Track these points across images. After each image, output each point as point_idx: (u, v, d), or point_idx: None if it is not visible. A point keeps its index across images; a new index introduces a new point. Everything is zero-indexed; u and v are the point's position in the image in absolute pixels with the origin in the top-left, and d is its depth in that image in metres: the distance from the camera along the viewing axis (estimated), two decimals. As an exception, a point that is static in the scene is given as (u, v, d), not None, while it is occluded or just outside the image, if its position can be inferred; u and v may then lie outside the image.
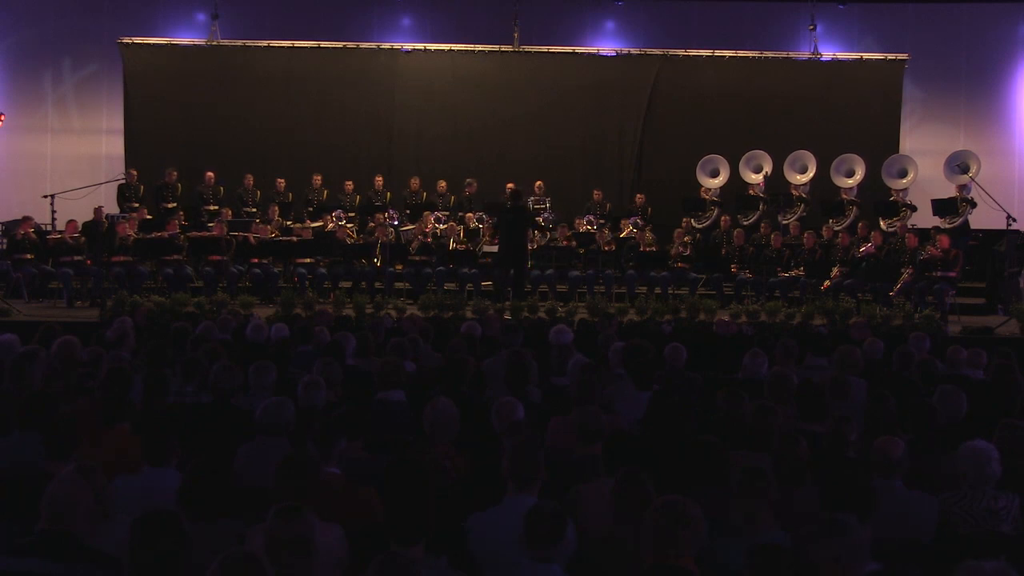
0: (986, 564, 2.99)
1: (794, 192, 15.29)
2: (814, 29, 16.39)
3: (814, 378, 6.29)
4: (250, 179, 15.23)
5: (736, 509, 3.94)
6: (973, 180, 14.40)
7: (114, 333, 7.74)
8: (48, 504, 3.58)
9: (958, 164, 14.73)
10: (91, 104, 17.15)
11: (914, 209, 14.63)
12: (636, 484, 3.95)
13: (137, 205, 14.77)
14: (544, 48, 16.45)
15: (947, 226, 13.89)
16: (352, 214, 14.95)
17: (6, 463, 4.79)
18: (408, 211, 15.14)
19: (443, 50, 16.49)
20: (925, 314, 11.50)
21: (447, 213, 14.85)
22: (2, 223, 14.80)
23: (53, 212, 13.83)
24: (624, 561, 3.82)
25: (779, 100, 16.19)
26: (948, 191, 14.57)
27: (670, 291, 13.41)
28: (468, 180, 15.37)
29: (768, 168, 15.37)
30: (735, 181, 15.57)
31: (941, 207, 14.30)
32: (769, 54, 16.44)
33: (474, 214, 14.73)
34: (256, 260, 13.57)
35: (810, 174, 15.36)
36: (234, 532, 3.80)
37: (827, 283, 13.19)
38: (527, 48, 16.38)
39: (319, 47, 16.37)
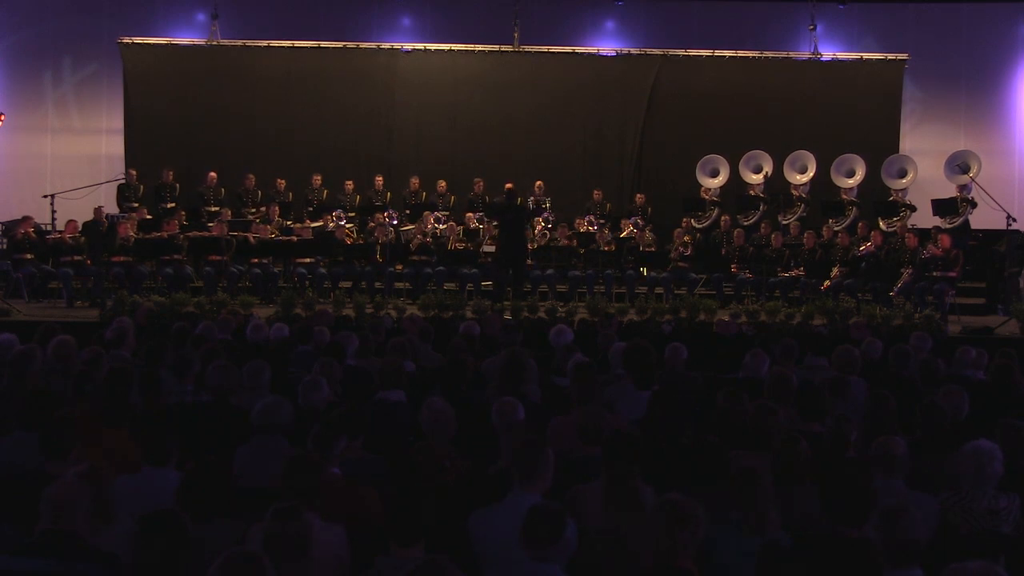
0: (970, 564, 3.00)
1: (794, 192, 15.29)
2: (814, 29, 16.38)
3: (814, 378, 6.29)
4: (252, 179, 15.21)
5: (736, 509, 3.95)
6: (973, 180, 14.40)
7: (114, 333, 7.72)
8: (48, 505, 3.59)
9: (958, 164, 14.73)
10: (91, 104, 17.14)
11: (914, 209, 14.64)
12: (626, 482, 3.97)
13: (137, 205, 14.77)
14: (544, 48, 16.44)
15: (947, 226, 13.89)
16: (352, 214, 14.94)
17: (6, 463, 4.79)
18: (408, 211, 15.13)
19: (443, 50, 16.48)
20: (925, 314, 11.50)
21: (447, 213, 14.85)
22: (2, 223, 14.80)
23: (53, 212, 13.81)
24: (624, 561, 3.83)
25: (779, 100, 16.18)
26: (948, 191, 14.56)
27: (670, 290, 13.41)
28: (476, 179, 15.37)
29: (768, 168, 15.37)
30: (735, 181, 15.57)
31: (941, 207, 14.29)
32: (769, 54, 16.43)
33: (475, 214, 14.74)
34: (256, 260, 13.57)
35: (810, 174, 15.36)
36: (234, 532, 3.80)
37: (827, 283, 13.19)
38: (527, 48, 16.38)
39: (319, 47, 16.36)
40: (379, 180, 15.51)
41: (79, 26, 16.89)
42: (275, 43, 16.33)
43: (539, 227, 14.43)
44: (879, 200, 15.07)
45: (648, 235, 14.26)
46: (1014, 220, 13.55)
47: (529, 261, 13.54)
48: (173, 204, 14.99)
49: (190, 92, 16.20)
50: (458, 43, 16.46)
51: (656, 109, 16.48)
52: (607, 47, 16.80)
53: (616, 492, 4.07)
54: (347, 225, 14.33)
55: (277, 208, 14.53)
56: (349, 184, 15.32)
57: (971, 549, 3.85)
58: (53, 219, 13.85)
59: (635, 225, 14.38)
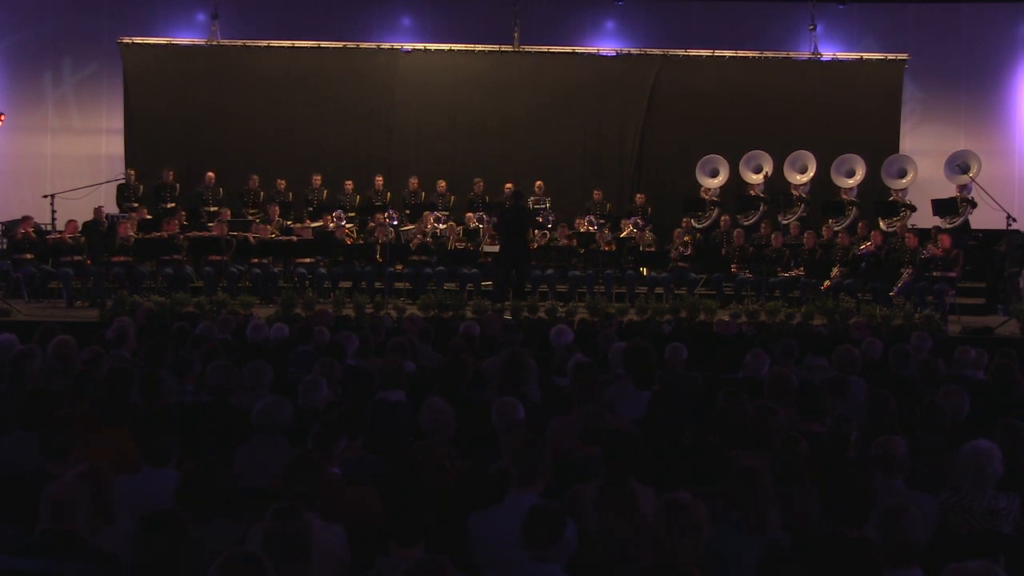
0: (970, 565, 2.99)
1: (794, 192, 15.29)
2: (814, 29, 16.38)
3: (814, 378, 6.28)
4: (255, 180, 15.21)
5: (736, 509, 3.94)
6: (973, 180, 14.40)
7: (114, 333, 7.73)
8: (48, 505, 3.59)
9: (958, 164, 14.73)
10: (91, 104, 17.14)
11: (914, 209, 14.64)
12: (621, 484, 3.96)
13: (137, 205, 14.77)
14: (544, 48, 16.44)
15: (947, 226, 13.89)
16: (352, 214, 14.94)
17: (6, 463, 4.79)
18: (408, 211, 15.14)
19: (443, 50, 16.48)
20: (925, 314, 11.50)
21: (447, 213, 14.85)
22: (2, 223, 14.80)
23: (53, 212, 13.80)
24: (623, 562, 3.82)
25: (779, 100, 16.18)
26: (948, 191, 14.56)
27: (670, 290, 13.41)
28: (476, 179, 15.39)
29: (768, 168, 15.37)
30: (735, 181, 15.57)
31: (941, 207, 14.30)
32: (769, 54, 16.43)
33: (475, 214, 14.74)
34: (256, 260, 13.58)
35: (810, 174, 15.36)
36: (234, 532, 3.80)
37: (827, 283, 13.19)
38: (527, 48, 16.37)
39: (319, 47, 16.36)
40: (379, 180, 15.52)
41: (79, 26, 16.90)
42: (275, 43, 16.34)
43: (539, 227, 14.46)
44: (879, 200, 15.07)
45: (648, 235, 14.26)
46: (1014, 220, 13.54)
47: (531, 261, 13.55)
48: (173, 204, 14.99)
49: (190, 92, 16.21)
50: (458, 43, 16.46)
51: (656, 109, 16.48)
52: (607, 47, 16.80)
53: (611, 493, 4.05)
54: (347, 225, 14.33)
55: (277, 208, 14.54)
56: (349, 184, 15.32)
57: (971, 549, 3.85)
58: (53, 219, 13.84)
59: (635, 225, 14.39)
